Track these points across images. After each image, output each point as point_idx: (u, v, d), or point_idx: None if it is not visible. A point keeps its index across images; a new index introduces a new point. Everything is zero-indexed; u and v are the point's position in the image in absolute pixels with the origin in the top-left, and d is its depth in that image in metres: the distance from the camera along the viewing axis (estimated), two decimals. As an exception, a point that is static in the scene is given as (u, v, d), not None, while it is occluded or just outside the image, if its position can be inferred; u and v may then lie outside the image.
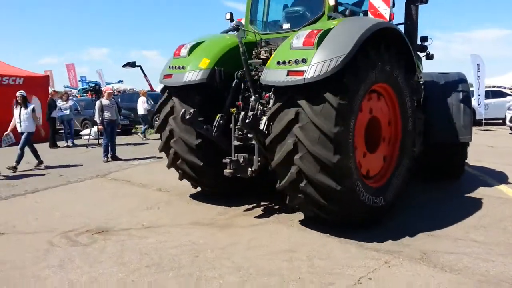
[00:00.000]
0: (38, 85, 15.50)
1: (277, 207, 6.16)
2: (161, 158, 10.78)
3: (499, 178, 8.03)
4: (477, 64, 17.33)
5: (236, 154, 5.65)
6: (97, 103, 10.73)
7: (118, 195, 7.17)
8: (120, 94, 25.54)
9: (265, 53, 5.96)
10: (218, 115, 5.71)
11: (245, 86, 5.85)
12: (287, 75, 4.58)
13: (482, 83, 17.66)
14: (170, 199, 6.76)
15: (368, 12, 6.41)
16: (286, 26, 6.22)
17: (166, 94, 6.09)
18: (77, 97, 28.43)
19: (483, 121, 17.86)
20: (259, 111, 5.33)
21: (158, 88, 43.53)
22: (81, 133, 15.69)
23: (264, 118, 5.16)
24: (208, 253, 4.47)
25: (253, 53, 6.17)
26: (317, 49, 4.53)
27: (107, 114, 10.54)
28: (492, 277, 3.87)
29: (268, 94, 5.43)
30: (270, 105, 5.17)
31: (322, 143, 4.43)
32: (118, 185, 8.02)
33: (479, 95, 17.37)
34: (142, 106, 15.70)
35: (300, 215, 5.69)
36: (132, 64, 43.42)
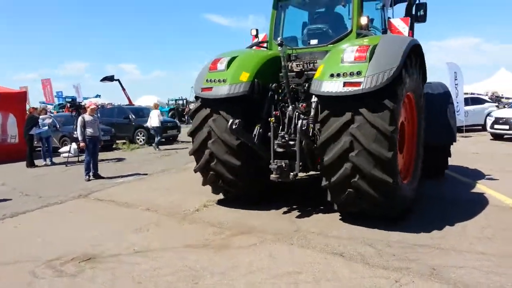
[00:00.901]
0: (15, 101, 14.90)
1: (274, 224, 5.92)
2: (145, 175, 10.42)
3: (492, 184, 7.98)
4: (454, 72, 17.60)
5: (275, 160, 6.04)
6: (80, 119, 10.27)
7: (103, 217, 6.79)
8: (98, 109, 24.89)
9: (297, 67, 6.51)
10: (257, 125, 6.22)
11: (279, 97, 6.41)
12: (344, 86, 5.10)
13: (461, 91, 17.93)
14: (159, 220, 6.42)
15: (388, 30, 7.22)
16: (314, 42, 6.89)
17: (199, 103, 6.47)
18: (53, 113, 27.62)
19: (464, 128, 18.10)
20: (297, 120, 5.96)
21: (137, 102, 43.10)
22: (60, 150, 15.09)
23: (312, 125, 5.72)
24: (208, 279, 4.18)
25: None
26: (369, 62, 5.10)
27: (89, 131, 10.11)
28: (508, 293, 3.71)
29: (304, 104, 6.12)
30: (312, 113, 5.73)
31: (378, 140, 4.99)
32: (102, 205, 7.61)
33: (457, 103, 17.60)
34: (157, 119, 16.04)
35: (299, 232, 5.47)
36: (110, 78, 42.99)
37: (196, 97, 6.67)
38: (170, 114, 35.32)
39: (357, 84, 5.02)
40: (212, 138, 6.26)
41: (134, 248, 5.19)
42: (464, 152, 12.82)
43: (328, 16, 7.49)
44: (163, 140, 18.42)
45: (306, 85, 6.23)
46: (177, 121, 20.28)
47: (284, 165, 5.98)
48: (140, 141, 17.78)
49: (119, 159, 13.73)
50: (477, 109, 19.69)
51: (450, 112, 8.03)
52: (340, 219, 6.03)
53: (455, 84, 17.78)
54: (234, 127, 5.73)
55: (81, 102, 19.49)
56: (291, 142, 5.95)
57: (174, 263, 4.62)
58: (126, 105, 30.42)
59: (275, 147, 6.07)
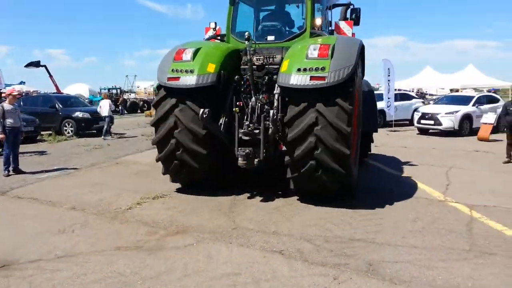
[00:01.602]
0: None
1: (211, 221, 5.70)
2: (73, 169, 9.70)
3: (420, 178, 8.37)
4: (388, 68, 18.41)
5: (241, 148, 6.41)
6: (-3, 108, 9.24)
7: (23, 217, 6.13)
8: (22, 97, 22.85)
9: (258, 61, 6.94)
10: (223, 115, 6.60)
11: (241, 89, 6.80)
12: (310, 79, 5.76)
13: (392, 87, 18.81)
14: (87, 219, 5.93)
15: (334, 32, 8.15)
16: (271, 38, 7.38)
17: (163, 93, 6.58)
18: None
19: (393, 122, 19.03)
20: (260, 110, 6.48)
21: (66, 90, 40.57)
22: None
23: (278, 115, 6.18)
24: (139, 286, 3.87)
25: (243, 59, 7.08)
26: (331, 60, 5.80)
27: (9, 121, 9.15)
28: (439, 286, 3.82)
29: (266, 95, 6.69)
30: (275, 104, 6.28)
31: (340, 117, 5.74)
32: (23, 204, 6.91)
33: (389, 98, 18.46)
34: (109, 108, 16.36)
35: (238, 230, 5.31)
36: (36, 64, 40.04)
37: (159, 87, 6.75)
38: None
39: (322, 78, 5.72)
40: (179, 128, 6.42)
41: (57, 253, 4.72)
42: (393, 145, 13.45)
43: (281, 14, 8.08)
44: (95, 131, 17.43)
45: (266, 77, 6.84)
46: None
47: (249, 152, 6.34)
48: (68, 133, 16.56)
49: (43, 152, 12.65)
50: (405, 104, 20.77)
51: (373, 106, 9.17)
52: (278, 214, 5.96)
53: (388, 80, 18.61)
54: (204, 116, 6.06)
55: (1, 89, 17.81)
56: (256, 131, 6.37)
57: (101, 269, 4.24)
58: (54, 93, 28.47)
59: (241, 135, 6.43)
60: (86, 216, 6.07)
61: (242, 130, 6.40)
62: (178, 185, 7.73)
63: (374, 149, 12.48)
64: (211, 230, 5.37)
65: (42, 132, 16.28)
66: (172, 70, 6.50)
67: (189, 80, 6.33)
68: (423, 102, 23.13)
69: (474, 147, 13.03)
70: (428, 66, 32.53)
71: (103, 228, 5.58)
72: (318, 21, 7.36)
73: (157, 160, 6.93)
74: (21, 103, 17.46)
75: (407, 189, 7.49)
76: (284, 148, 6.55)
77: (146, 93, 40.66)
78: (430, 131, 17.11)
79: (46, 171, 9.51)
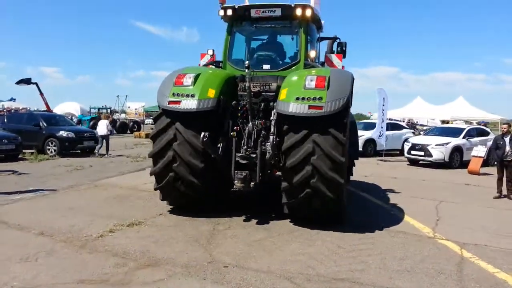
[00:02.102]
0: None
1: (186, 253, 5.33)
2: (50, 191, 9.27)
3: (410, 211, 8.10)
4: (383, 98, 18.41)
5: (236, 171, 6.56)
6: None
7: (-15, 242, 5.71)
8: (6, 113, 22.42)
9: (255, 87, 7.13)
10: (221, 138, 6.76)
11: (237, 114, 7.01)
12: (309, 108, 6.07)
13: (386, 116, 18.76)
14: (54, 247, 5.52)
15: (325, 64, 8.60)
16: (266, 67, 7.69)
17: (165, 119, 6.70)
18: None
19: (384, 152, 18.89)
20: (256, 135, 6.70)
21: (57, 108, 40.16)
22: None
23: (275, 140, 6.36)
24: (97, 328, 3.48)
25: (239, 86, 7.33)
26: (327, 90, 6.14)
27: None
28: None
29: (263, 121, 6.94)
30: (272, 130, 6.51)
31: (336, 147, 6.06)
32: (-12, 227, 6.48)
33: (382, 127, 18.36)
34: (106, 128, 16.90)
35: (214, 264, 4.94)
36: (27, 81, 39.68)
37: (161, 113, 6.84)
38: (91, 123, 33.00)
39: (320, 107, 6.05)
40: (178, 140, 6.56)
41: (14, 284, 4.31)
42: (383, 176, 13.22)
43: (276, 45, 8.47)
44: (79, 152, 17.03)
45: (263, 104, 7.17)
46: (95, 131, 18.73)
47: (246, 175, 6.50)
48: (51, 152, 16.11)
49: (16, 172, 12.16)
50: (395, 134, 20.70)
51: (356, 135, 9.29)
52: (259, 247, 5.61)
53: (382, 110, 18.63)
54: (204, 139, 6.17)
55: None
56: (253, 155, 6.55)
57: (58, 306, 3.84)
58: (44, 111, 28.09)
59: (238, 159, 6.58)
60: (54, 243, 5.67)
61: (240, 154, 6.58)
62: (156, 212, 7.38)
63: (363, 179, 12.28)
64: (185, 263, 5.00)
65: (24, 151, 15.81)
66: (173, 94, 6.65)
67: (190, 104, 6.50)
68: (413, 133, 23.12)
69: (464, 180, 12.85)
70: (419, 96, 32.77)
71: (69, 257, 5.17)
72: (313, 53, 7.97)
73: (151, 174, 6.94)
74: (5, 120, 17.14)
75: (396, 223, 7.19)
76: (278, 172, 7.08)
77: (137, 114, 40.32)
78: (420, 162, 16.96)
79: (21, 192, 9.07)
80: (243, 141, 6.71)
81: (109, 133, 17.23)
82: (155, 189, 7.15)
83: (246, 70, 6.43)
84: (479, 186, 11.84)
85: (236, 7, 7.87)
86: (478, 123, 25.25)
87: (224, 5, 7.91)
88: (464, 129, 17.71)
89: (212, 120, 6.67)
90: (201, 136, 6.17)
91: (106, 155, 16.73)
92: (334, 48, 9.04)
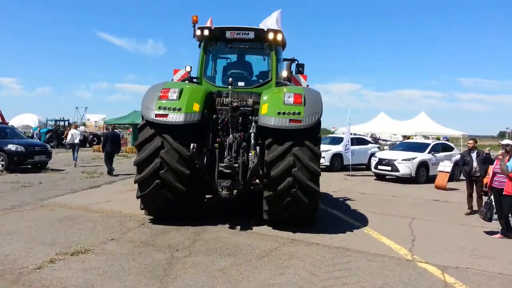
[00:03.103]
0: None
1: (138, 288, 4.57)
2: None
3: (384, 231, 7.66)
4: (349, 115, 18.38)
5: (219, 180, 7.05)
6: None
7: None
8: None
9: (234, 103, 7.51)
10: (204, 149, 7.21)
11: (218, 127, 7.57)
12: (289, 122, 6.74)
13: (348, 132, 18.67)
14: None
15: (292, 82, 8.99)
16: (241, 84, 8.22)
17: (150, 129, 6.99)
18: None
19: (350, 167, 18.68)
20: (236, 146, 7.23)
21: (13, 120, 37.94)
22: None
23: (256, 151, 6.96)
24: None
25: (217, 100, 7.88)
26: (304, 106, 6.84)
27: None
28: None
29: (242, 134, 7.51)
30: (253, 142, 7.24)
31: (313, 160, 6.85)
32: None
33: (348, 142, 18.20)
34: (78, 137, 17.89)
35: None
36: (-22, 92, 37.11)
37: (144, 125, 7.10)
38: (47, 136, 31.16)
39: (299, 121, 6.75)
40: (165, 148, 6.89)
41: None
42: (351, 191, 12.87)
43: (248, 64, 9.17)
44: (30, 166, 15.74)
45: (240, 118, 7.68)
46: (47, 145, 17.40)
47: (229, 184, 6.98)
48: (-3, 167, 14.77)
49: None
50: (361, 149, 20.59)
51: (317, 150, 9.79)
52: (224, 278, 4.93)
53: (349, 125, 18.59)
54: (194, 150, 6.64)
55: None
56: (235, 165, 7.07)
57: None
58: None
59: (221, 169, 7.07)
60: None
61: (224, 164, 7.06)
62: (107, 237, 6.57)
63: (333, 194, 11.85)
64: (136, 301, 4.25)
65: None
66: (159, 108, 6.94)
67: (177, 118, 6.85)
68: (378, 148, 23.12)
69: (432, 196, 12.68)
70: (382, 112, 33.17)
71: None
72: (284, 73, 8.79)
73: (135, 182, 7.11)
74: None
75: (371, 245, 6.70)
76: (257, 181, 7.98)
77: (96, 126, 38.61)
78: (387, 177, 16.83)
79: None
80: (225, 152, 7.21)
81: (79, 142, 17.59)
82: (137, 197, 7.27)
83: (230, 86, 7.17)
84: (448, 202, 11.66)
85: (213, 27, 8.33)
86: (438, 139, 25.74)
87: (200, 26, 8.33)
88: (429, 144, 17.80)
89: (196, 132, 7.11)
90: (191, 147, 6.65)
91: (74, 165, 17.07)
92: (293, 69, 9.44)
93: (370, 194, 12.59)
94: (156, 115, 6.89)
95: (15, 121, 39.60)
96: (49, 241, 6.28)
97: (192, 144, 6.66)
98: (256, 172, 7.14)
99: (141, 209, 7.51)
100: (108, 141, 15.18)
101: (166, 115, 6.89)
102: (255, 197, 8.37)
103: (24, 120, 43.37)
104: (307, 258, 5.75)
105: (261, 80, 8.57)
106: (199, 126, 7.11)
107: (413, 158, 16.17)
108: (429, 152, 16.85)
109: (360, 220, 8.59)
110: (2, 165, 14.79)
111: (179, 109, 6.90)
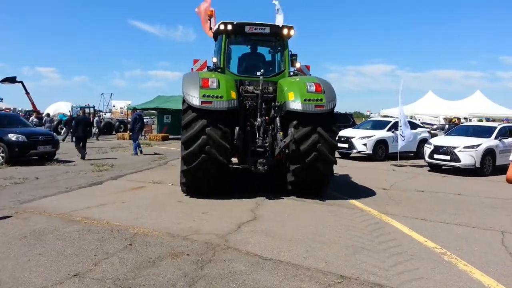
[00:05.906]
0: None
1: None
2: None
3: (470, 256, 5.29)
4: (401, 90, 15.77)
5: (257, 158, 8.39)
6: None
7: None
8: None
9: (256, 90, 8.98)
10: (240, 131, 8.26)
11: (247, 112, 8.99)
12: (315, 107, 8.15)
13: (403, 112, 15.99)
14: None
15: (298, 72, 10.19)
16: (259, 73, 8.75)
17: (194, 114, 7.97)
18: None
19: (398, 155, 16.06)
20: (264, 129, 8.62)
21: (49, 108, 37.47)
22: None
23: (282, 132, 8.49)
24: None
25: (241, 88, 9.18)
26: (324, 94, 8.30)
27: None
28: None
29: (268, 117, 8.91)
30: (278, 124, 8.62)
31: (333, 136, 8.47)
32: None
33: (401, 126, 15.56)
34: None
35: None
36: (11, 80, 37.05)
37: (186, 109, 8.09)
38: (55, 123, 29.67)
39: (322, 106, 8.19)
40: (211, 126, 7.84)
41: None
42: (406, 188, 10.43)
43: (265, 56, 10.40)
44: (36, 157, 14.21)
45: (263, 103, 8.79)
46: (53, 134, 15.76)
47: (265, 161, 8.31)
48: (-2, 159, 13.22)
49: None
50: (409, 134, 17.78)
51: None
52: None
53: (401, 103, 16.09)
54: (240, 132, 8.11)
55: None
56: (266, 144, 8.45)
57: None
58: (30, 110, 25.80)
59: (255, 148, 8.43)
60: None
61: (258, 144, 8.41)
62: (67, 272, 4.55)
63: (384, 194, 9.48)
64: None
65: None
66: (204, 96, 7.87)
67: (221, 104, 7.89)
68: (429, 132, 20.08)
69: (509, 193, 10.03)
70: (430, 91, 29.53)
71: None
72: (298, 64, 9.91)
73: (182, 158, 8.04)
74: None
75: (457, 282, 4.36)
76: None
77: (122, 113, 37.25)
78: (443, 167, 14.17)
79: None
80: (256, 134, 8.55)
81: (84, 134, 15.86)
82: (182, 172, 8.16)
83: (261, 77, 8.55)
84: (536, 203, 9.02)
85: (234, 23, 9.31)
86: (502, 120, 22.38)
87: (223, 21, 9.32)
88: (495, 127, 14.78)
89: (231, 115, 8.13)
90: (236, 130, 8.01)
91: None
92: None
93: (432, 192, 10.06)
94: (202, 102, 7.84)
95: (51, 109, 38.93)
96: (-16, 278, 4.33)
97: (237, 128, 8.05)
98: (286, 149, 8.26)
99: (181, 183, 8.43)
100: (80, 126, 15.25)
101: (210, 102, 7.86)
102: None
103: (59, 108, 42.81)
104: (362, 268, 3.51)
105: (276, 71, 9.81)
106: (236, 111, 8.23)
107: (478, 145, 13.37)
108: (495, 138, 14.00)
109: (435, 239, 6.11)
110: (2, 157, 13.20)
111: (221, 97, 7.91)
